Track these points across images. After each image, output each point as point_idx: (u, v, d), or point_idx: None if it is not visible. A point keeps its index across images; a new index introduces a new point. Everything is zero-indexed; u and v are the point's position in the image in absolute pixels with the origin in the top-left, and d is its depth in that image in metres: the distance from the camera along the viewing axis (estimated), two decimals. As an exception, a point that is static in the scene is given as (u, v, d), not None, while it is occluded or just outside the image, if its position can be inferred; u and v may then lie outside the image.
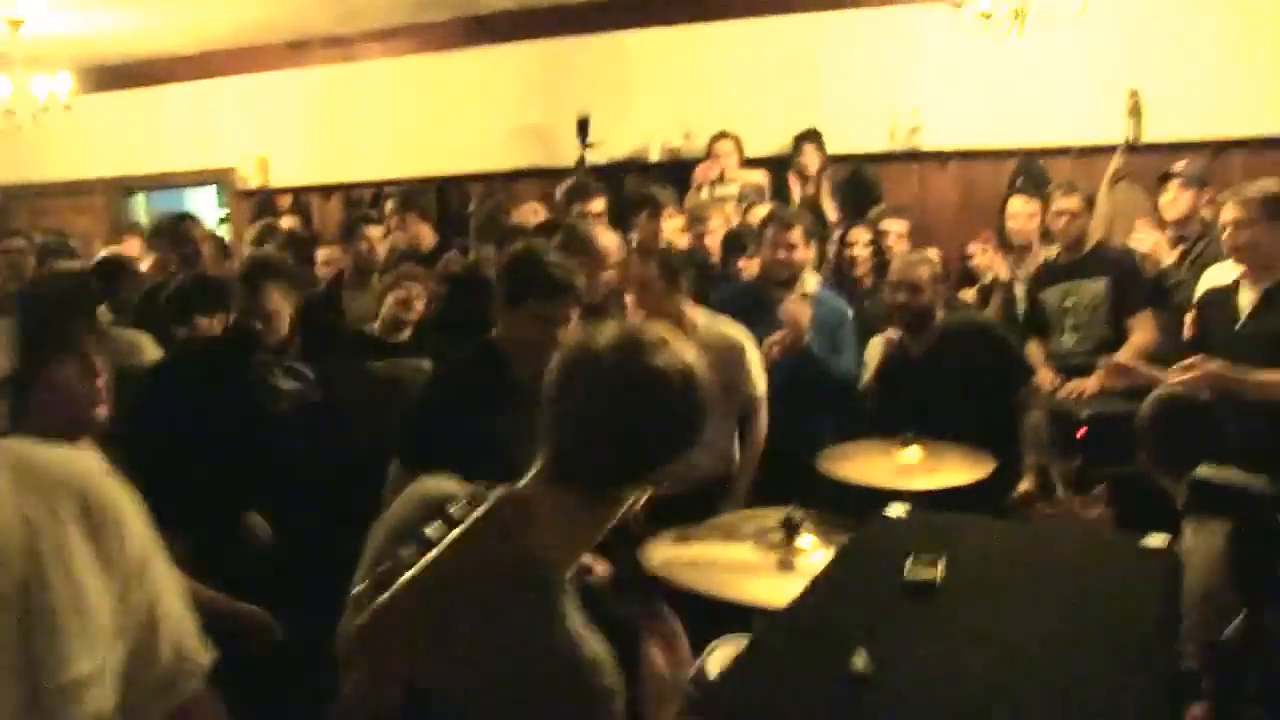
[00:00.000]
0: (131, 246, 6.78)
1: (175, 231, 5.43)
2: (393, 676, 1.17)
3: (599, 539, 1.56)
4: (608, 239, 4.08)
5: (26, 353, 2.14)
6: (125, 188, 9.43)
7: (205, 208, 9.29)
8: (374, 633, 1.15)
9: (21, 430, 2.06)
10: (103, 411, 2.22)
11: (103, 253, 6.46)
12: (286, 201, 8.24)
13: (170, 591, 1.39)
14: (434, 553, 1.17)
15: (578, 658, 1.37)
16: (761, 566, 2.60)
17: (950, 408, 3.82)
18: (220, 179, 8.99)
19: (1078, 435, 3.92)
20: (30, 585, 1.18)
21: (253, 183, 8.61)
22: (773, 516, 2.84)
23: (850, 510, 2.92)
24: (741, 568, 2.60)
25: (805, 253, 4.57)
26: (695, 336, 3.90)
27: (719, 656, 2.55)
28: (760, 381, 3.98)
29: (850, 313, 4.56)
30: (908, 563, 1.68)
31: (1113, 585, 1.69)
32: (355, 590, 1.17)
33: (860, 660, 1.39)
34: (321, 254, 6.13)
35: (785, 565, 2.59)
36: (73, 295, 4.20)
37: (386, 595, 1.16)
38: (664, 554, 2.67)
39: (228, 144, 8.74)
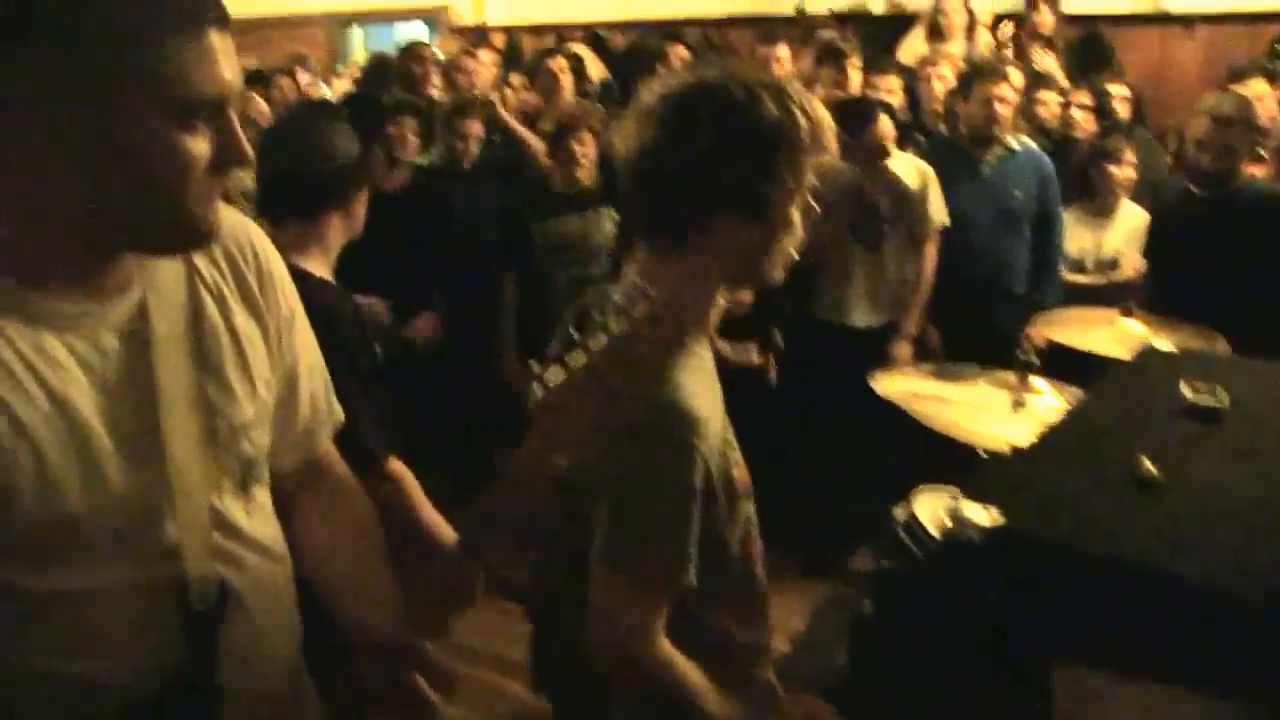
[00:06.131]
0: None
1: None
2: (562, 447, 1.23)
3: (713, 295, 1.61)
4: None
5: None
6: (344, 21, 9.66)
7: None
8: (548, 408, 1.21)
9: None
10: None
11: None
12: (499, 40, 8.29)
13: (311, 349, 1.46)
14: (603, 342, 1.20)
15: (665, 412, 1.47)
16: (995, 405, 2.58)
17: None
18: (435, 15, 9.11)
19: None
20: (195, 326, 1.25)
21: (468, 19, 8.69)
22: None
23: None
24: (975, 405, 2.59)
25: (1012, 108, 4.46)
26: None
27: (926, 502, 2.57)
28: (942, 214, 4.19)
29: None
30: (1186, 389, 1.64)
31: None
32: (535, 369, 1.21)
33: (1150, 465, 1.38)
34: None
35: (1018, 404, 2.57)
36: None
37: (563, 375, 1.20)
38: (903, 385, 2.69)
39: (445, -21, 8.84)
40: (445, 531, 2.23)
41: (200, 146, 1.12)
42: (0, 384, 1.09)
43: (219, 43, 1.12)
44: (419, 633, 1.29)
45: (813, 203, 1.60)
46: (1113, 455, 1.45)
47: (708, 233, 1.54)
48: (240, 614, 1.28)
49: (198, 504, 1.23)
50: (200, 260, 1.28)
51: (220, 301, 1.30)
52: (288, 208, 2.32)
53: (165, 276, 1.24)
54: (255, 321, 1.34)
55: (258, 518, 1.34)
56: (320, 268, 2.35)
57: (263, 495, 1.37)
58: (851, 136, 4.10)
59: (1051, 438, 1.53)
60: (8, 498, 1.08)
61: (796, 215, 1.58)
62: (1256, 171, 4.05)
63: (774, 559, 1.93)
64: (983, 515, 1.28)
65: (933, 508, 2.55)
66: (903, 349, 4.25)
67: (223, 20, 1.13)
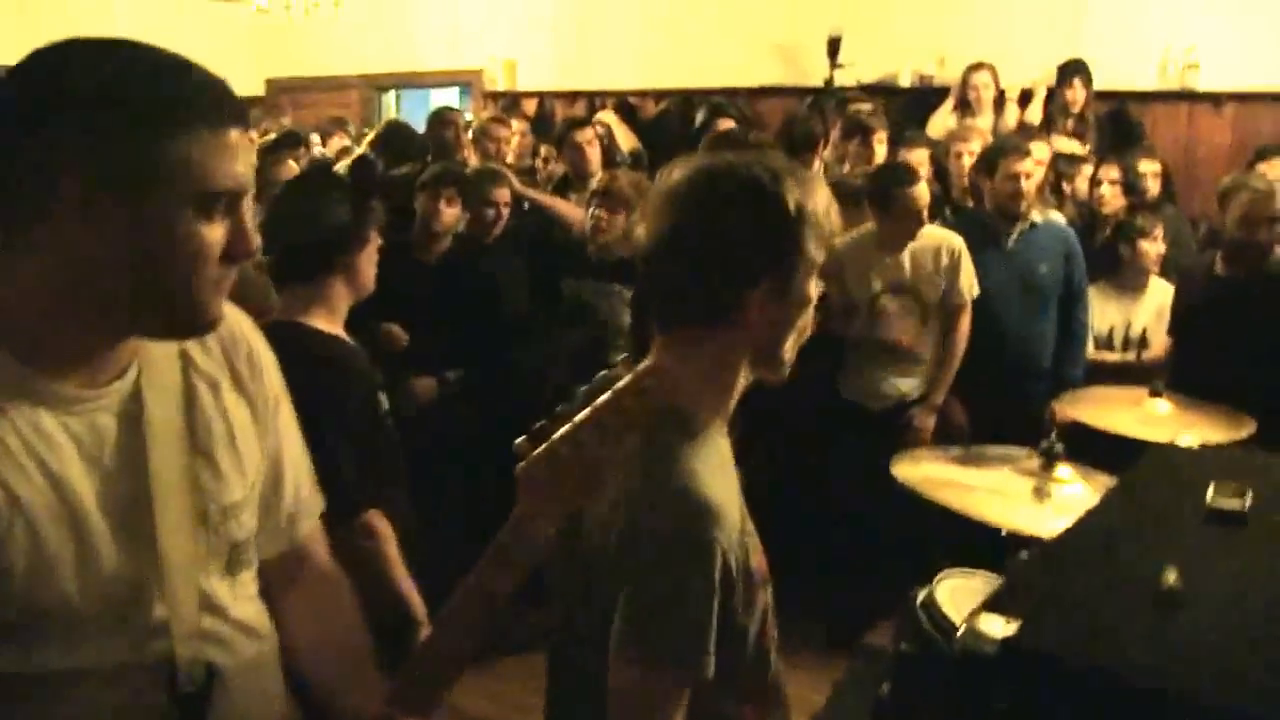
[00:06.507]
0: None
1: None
2: (547, 515, 1.30)
3: (737, 377, 1.58)
4: None
5: None
6: (379, 85, 9.83)
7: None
8: (530, 477, 1.28)
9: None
10: None
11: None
12: (531, 105, 8.40)
13: (295, 437, 1.49)
14: (584, 413, 1.26)
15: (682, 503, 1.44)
16: (1017, 493, 2.56)
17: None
18: (469, 80, 9.24)
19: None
20: (188, 409, 1.28)
21: (500, 85, 8.82)
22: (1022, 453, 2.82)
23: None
24: (997, 492, 2.57)
25: (1036, 184, 4.51)
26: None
27: (947, 587, 2.54)
28: (973, 286, 4.20)
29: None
30: (1210, 491, 1.62)
31: None
32: (517, 440, 1.29)
33: (1171, 577, 1.36)
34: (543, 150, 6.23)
35: (1041, 493, 2.54)
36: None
37: (543, 447, 1.27)
38: (922, 471, 2.67)
39: (477, 46, 8.97)
40: (412, 599, 2.31)
41: (216, 234, 1.16)
42: (0, 463, 1.11)
43: (238, 140, 1.17)
44: (409, 711, 1.29)
45: (820, 282, 1.63)
46: (1133, 563, 1.43)
47: (737, 310, 1.54)
48: (227, 695, 1.28)
49: (186, 585, 1.24)
50: (193, 346, 1.32)
51: (213, 386, 1.33)
52: (288, 273, 2.42)
53: (160, 360, 1.27)
54: (245, 404, 1.37)
55: (244, 599, 1.36)
56: (328, 327, 2.40)
57: (248, 577, 1.39)
58: (888, 200, 4.12)
59: (1071, 542, 1.51)
60: (1, 576, 1.10)
61: (813, 292, 1.61)
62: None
63: (796, 634, 1.92)
64: (999, 626, 1.26)
65: (953, 592, 2.52)
66: (927, 420, 4.23)
67: (243, 120, 1.18)
